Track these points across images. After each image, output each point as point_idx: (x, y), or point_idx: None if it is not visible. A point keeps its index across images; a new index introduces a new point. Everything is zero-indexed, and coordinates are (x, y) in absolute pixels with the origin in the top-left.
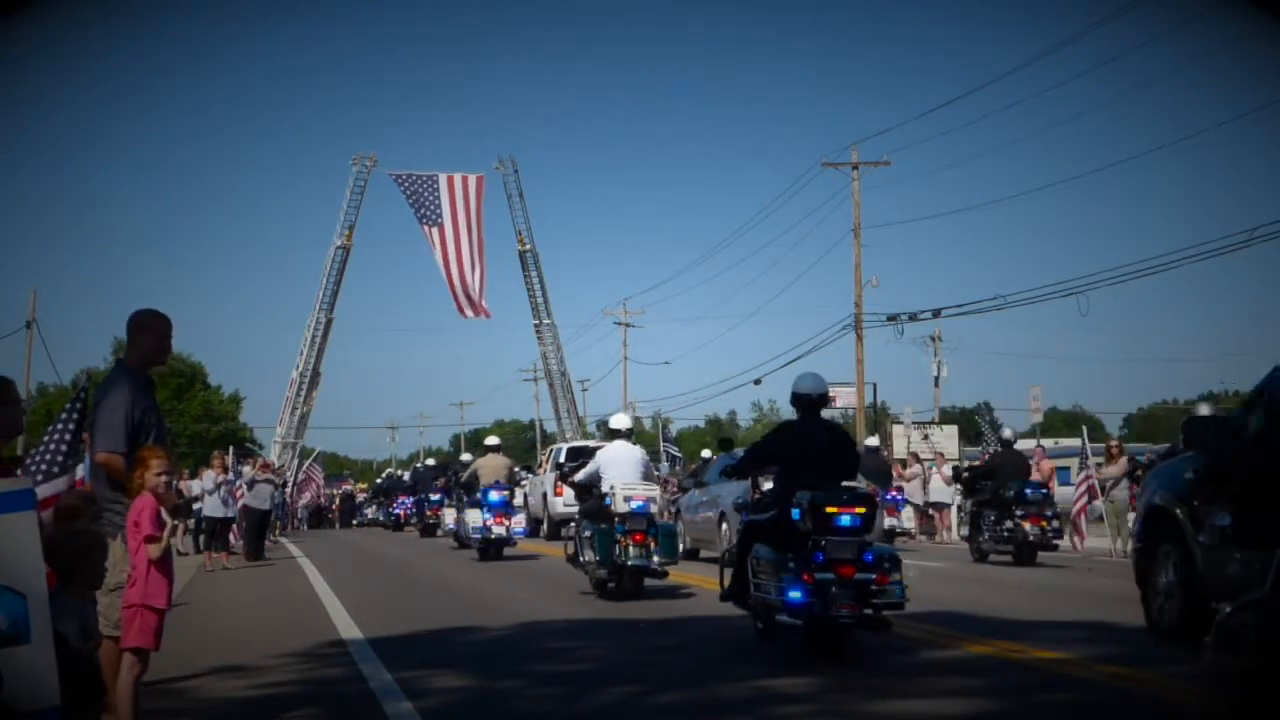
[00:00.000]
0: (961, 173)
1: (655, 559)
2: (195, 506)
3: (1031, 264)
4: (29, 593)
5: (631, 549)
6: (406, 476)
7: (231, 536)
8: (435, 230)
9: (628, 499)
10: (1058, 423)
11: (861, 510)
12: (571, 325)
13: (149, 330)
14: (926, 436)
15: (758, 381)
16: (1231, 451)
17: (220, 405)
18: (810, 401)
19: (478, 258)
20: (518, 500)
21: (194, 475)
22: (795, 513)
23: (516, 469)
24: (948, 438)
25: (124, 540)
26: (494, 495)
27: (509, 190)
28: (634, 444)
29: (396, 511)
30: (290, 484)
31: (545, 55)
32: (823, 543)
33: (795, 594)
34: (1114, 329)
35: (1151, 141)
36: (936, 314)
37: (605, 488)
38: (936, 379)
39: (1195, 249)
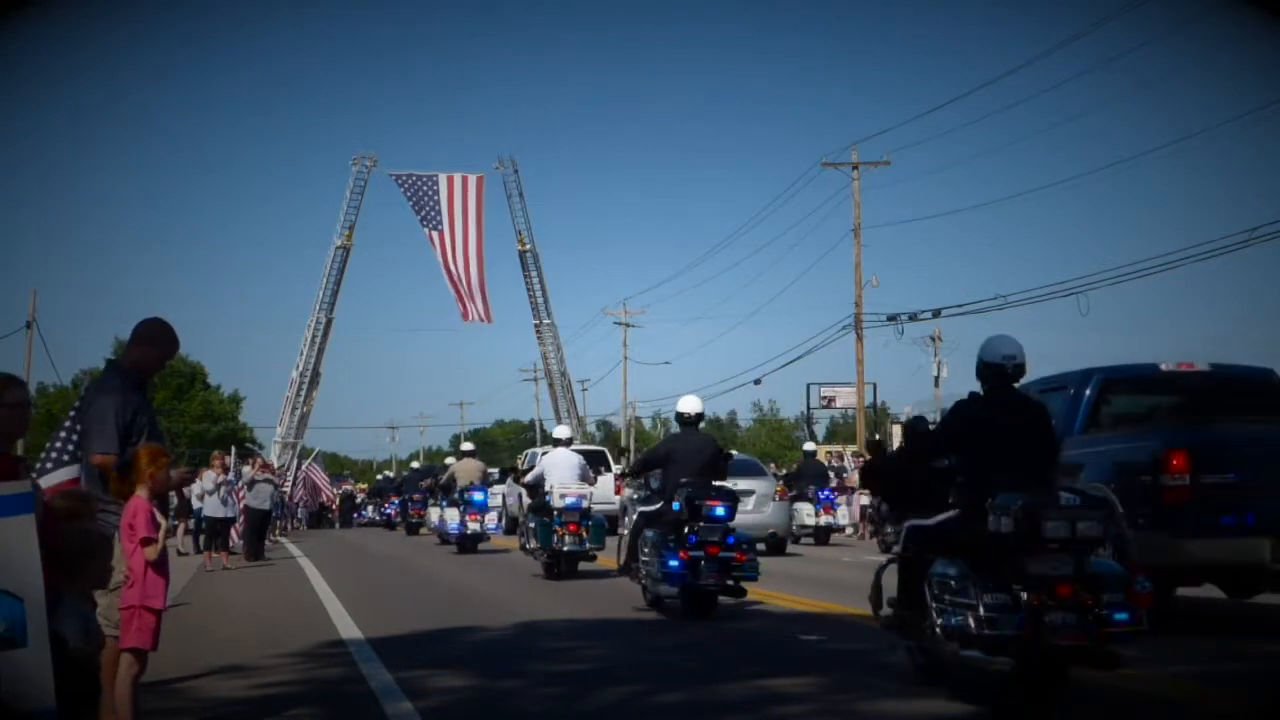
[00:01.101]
0: (961, 173)
1: (587, 545)
2: (195, 506)
3: (1031, 264)
4: (26, 596)
5: (567, 537)
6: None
7: (232, 536)
8: (436, 234)
9: (564, 496)
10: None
11: (728, 503)
12: (571, 325)
13: (154, 344)
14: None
15: (758, 381)
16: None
17: (220, 405)
18: (689, 419)
19: (478, 261)
20: (495, 500)
21: (192, 479)
22: (676, 505)
23: (489, 471)
24: None
25: (119, 541)
26: (475, 496)
27: (509, 190)
28: (573, 451)
29: (388, 512)
30: (289, 484)
31: (545, 55)
32: (696, 528)
33: (673, 564)
34: (1114, 329)
35: (1151, 141)
36: (936, 314)
37: (547, 487)
38: (936, 379)
39: (1195, 249)
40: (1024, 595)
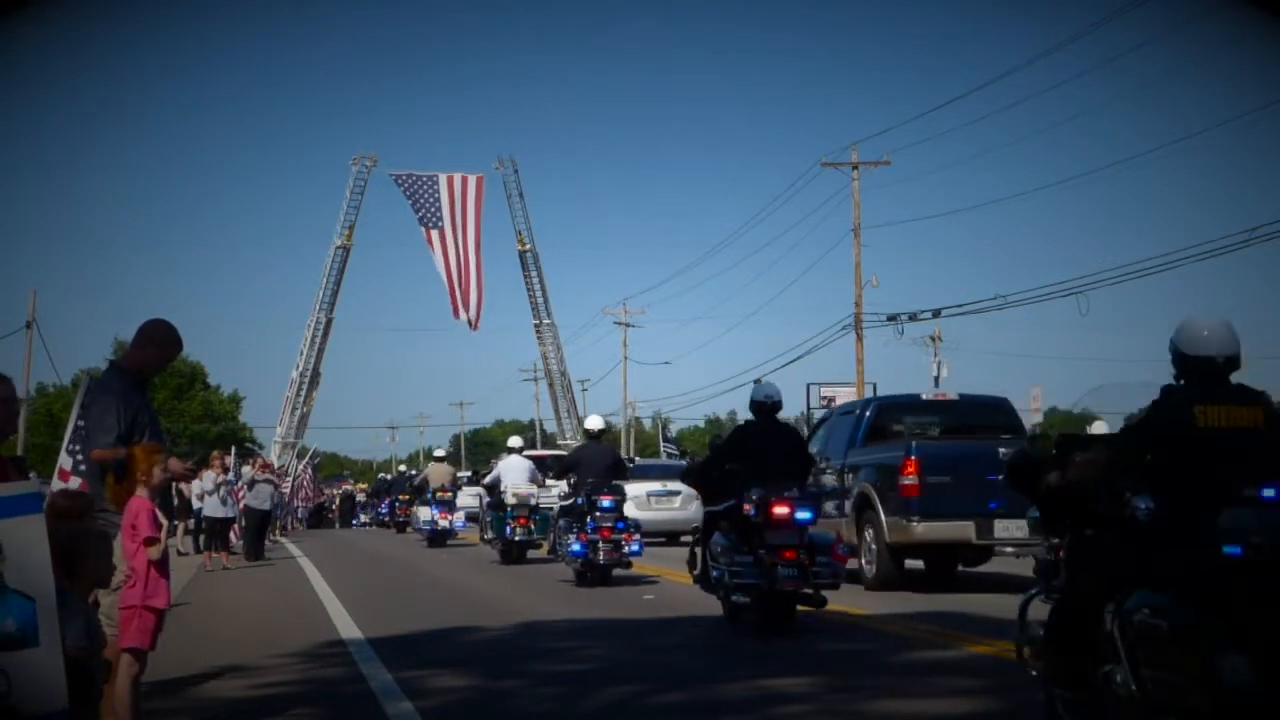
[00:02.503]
0: (961, 173)
1: (534, 535)
2: (195, 506)
3: (1031, 264)
4: (37, 596)
5: (518, 529)
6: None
7: (232, 536)
8: (435, 234)
9: (515, 495)
10: (1058, 423)
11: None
12: (571, 325)
13: (158, 346)
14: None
15: (758, 381)
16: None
17: (220, 405)
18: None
19: (476, 264)
20: (464, 500)
21: (194, 475)
22: (579, 500)
23: (459, 475)
24: None
25: (119, 541)
26: (444, 496)
27: (509, 190)
28: (524, 457)
29: (383, 513)
30: (291, 484)
31: (545, 55)
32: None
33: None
34: (1114, 329)
35: (1151, 141)
36: (936, 314)
37: (502, 488)
38: (936, 379)
39: (1195, 249)
40: (764, 556)
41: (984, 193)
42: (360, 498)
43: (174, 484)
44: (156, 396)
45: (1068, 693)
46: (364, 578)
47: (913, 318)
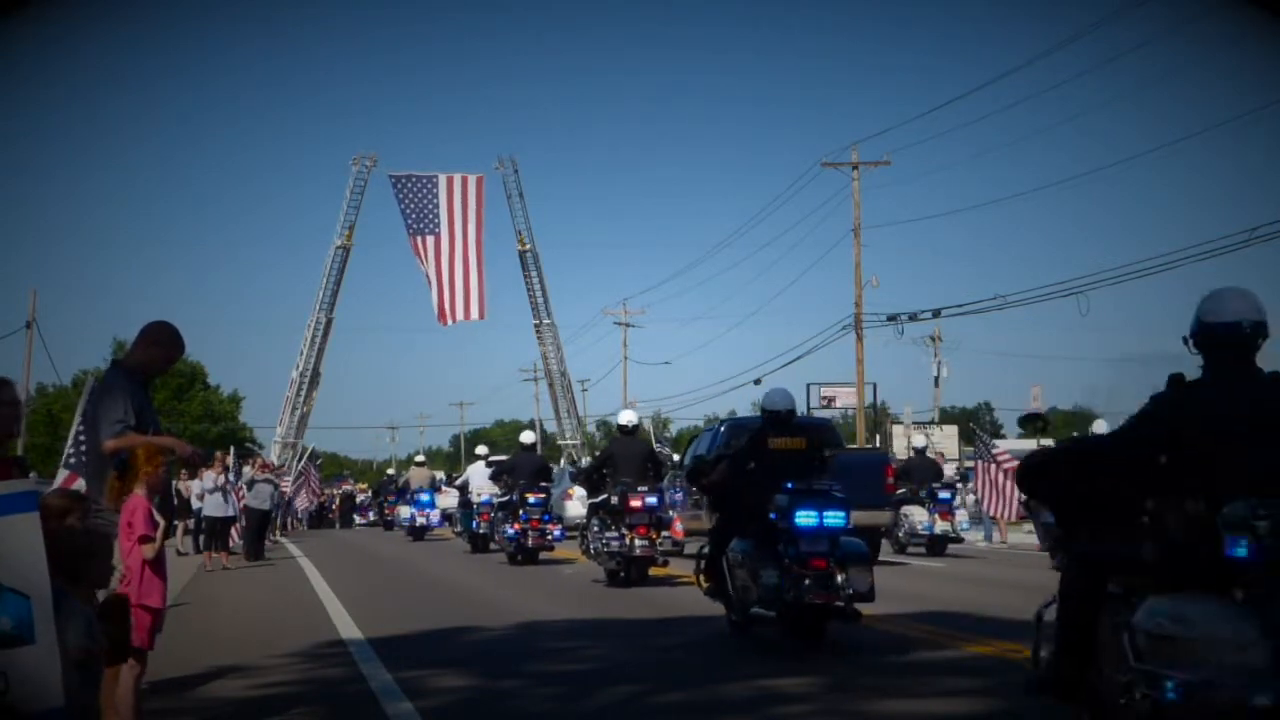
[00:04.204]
0: (961, 173)
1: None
2: (195, 506)
3: (1031, 264)
4: (33, 594)
5: (482, 524)
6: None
7: (232, 536)
8: (430, 239)
9: (479, 494)
10: (1059, 423)
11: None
12: (571, 325)
13: (161, 347)
14: (927, 437)
15: (758, 381)
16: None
17: (220, 405)
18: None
19: (477, 261)
20: (442, 500)
21: (194, 475)
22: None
23: (437, 478)
24: (948, 438)
25: (118, 541)
26: (422, 497)
27: (509, 190)
28: (487, 464)
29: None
30: (293, 482)
31: (545, 55)
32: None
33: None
34: (1114, 329)
35: (1151, 141)
36: (936, 314)
37: (470, 490)
38: (936, 379)
39: (1195, 249)
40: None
41: (984, 193)
42: (361, 498)
43: (174, 484)
44: (156, 397)
45: (726, 605)
46: (364, 577)
47: (913, 318)
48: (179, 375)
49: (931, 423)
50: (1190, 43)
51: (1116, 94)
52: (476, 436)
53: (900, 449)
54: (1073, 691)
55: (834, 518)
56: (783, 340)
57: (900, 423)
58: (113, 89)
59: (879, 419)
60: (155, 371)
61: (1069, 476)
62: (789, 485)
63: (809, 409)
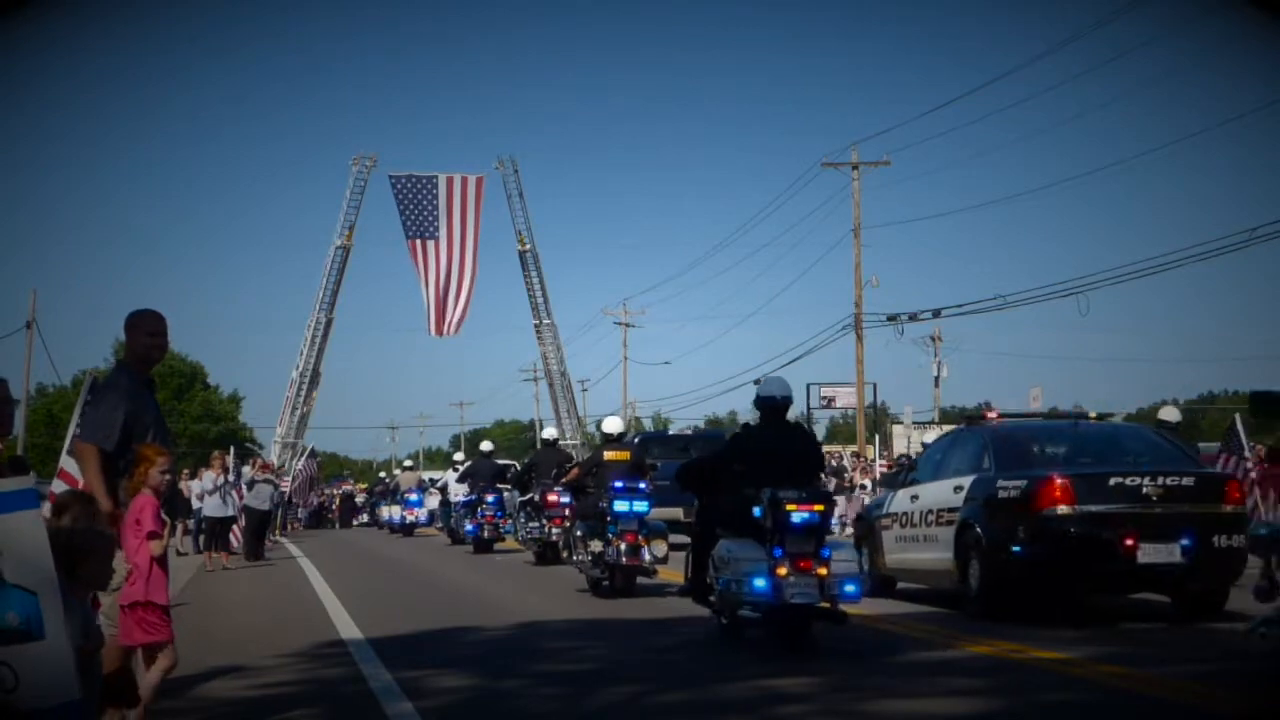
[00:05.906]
0: (961, 173)
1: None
2: (195, 506)
3: (1031, 264)
4: (40, 590)
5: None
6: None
7: (232, 536)
8: (430, 244)
9: (456, 495)
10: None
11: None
12: (571, 325)
13: (136, 329)
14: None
15: (758, 382)
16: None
17: (220, 405)
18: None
19: (472, 267)
20: (430, 502)
21: (194, 475)
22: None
23: (425, 480)
24: None
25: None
26: (411, 498)
27: (509, 190)
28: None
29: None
30: (293, 481)
31: (545, 55)
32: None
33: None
34: (1114, 329)
35: (1151, 141)
36: (936, 314)
37: (450, 492)
38: (936, 379)
39: (1195, 249)
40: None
41: (984, 193)
42: (361, 498)
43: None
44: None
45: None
46: (364, 577)
47: (913, 318)
48: (179, 375)
49: (932, 423)
50: (1190, 43)
51: (1116, 94)
52: (477, 436)
53: (900, 449)
54: (701, 592)
55: (641, 506)
56: (783, 340)
57: (900, 423)
58: (113, 89)
59: (879, 419)
60: (150, 359)
61: (701, 474)
62: (615, 485)
63: (809, 409)
